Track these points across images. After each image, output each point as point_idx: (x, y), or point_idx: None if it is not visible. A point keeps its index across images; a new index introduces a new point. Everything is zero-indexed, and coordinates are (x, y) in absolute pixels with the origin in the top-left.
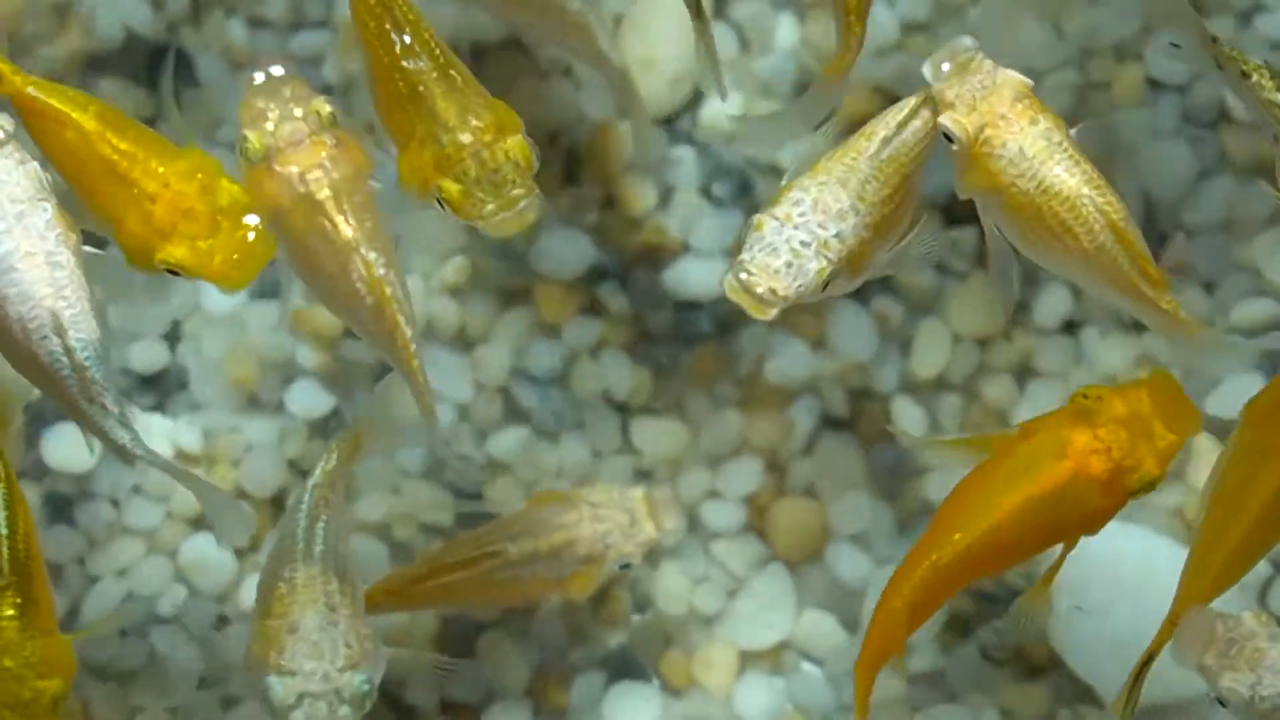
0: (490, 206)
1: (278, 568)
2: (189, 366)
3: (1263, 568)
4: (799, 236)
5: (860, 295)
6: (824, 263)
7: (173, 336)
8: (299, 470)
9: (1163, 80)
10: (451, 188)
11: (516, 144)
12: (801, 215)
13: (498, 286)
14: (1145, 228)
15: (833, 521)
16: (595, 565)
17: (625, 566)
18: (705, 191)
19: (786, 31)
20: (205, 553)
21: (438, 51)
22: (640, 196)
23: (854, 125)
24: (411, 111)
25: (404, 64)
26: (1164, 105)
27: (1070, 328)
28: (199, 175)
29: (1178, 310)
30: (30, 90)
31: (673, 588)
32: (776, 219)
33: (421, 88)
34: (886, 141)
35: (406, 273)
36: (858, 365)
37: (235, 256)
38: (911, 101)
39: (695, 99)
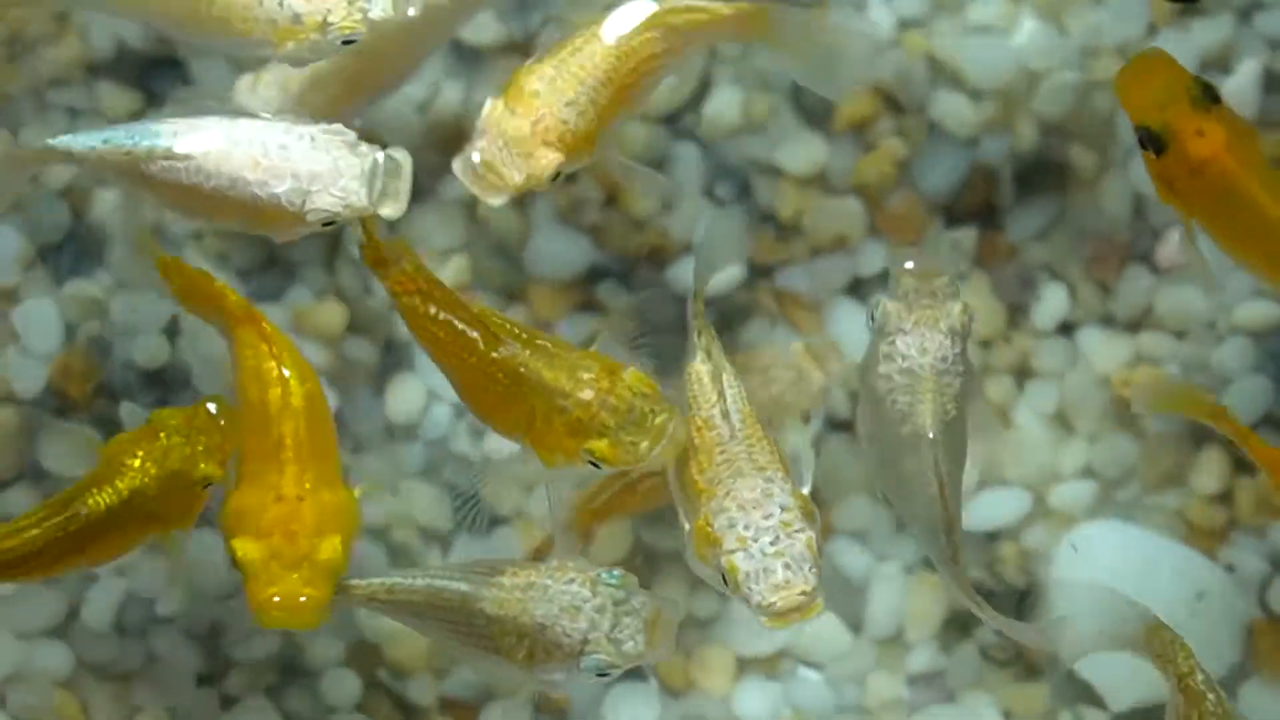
0: (644, 445)
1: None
2: (190, 362)
3: (1263, 566)
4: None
5: (861, 296)
6: (554, 156)
7: (173, 332)
8: None
9: None
10: (599, 445)
11: (634, 377)
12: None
13: (499, 286)
14: (1139, 225)
15: (833, 520)
16: None
17: None
18: (708, 192)
19: None
20: (207, 551)
21: (509, 326)
22: (642, 197)
23: (854, 126)
24: (520, 397)
25: (494, 356)
26: None
27: (1067, 329)
28: (333, 518)
29: None
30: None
31: (672, 590)
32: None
33: (522, 369)
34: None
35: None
36: (858, 366)
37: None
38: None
39: (697, 98)
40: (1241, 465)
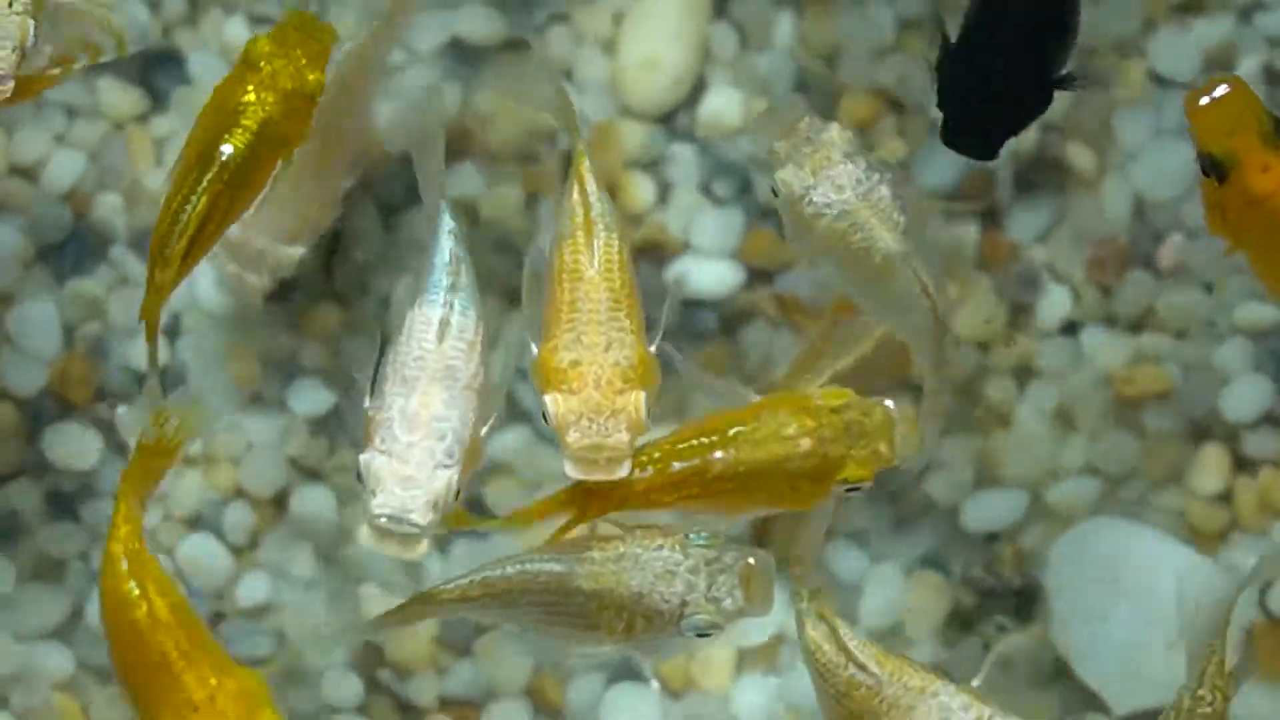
0: (883, 447)
1: None
2: (188, 362)
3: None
4: None
5: None
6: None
7: (172, 332)
8: (300, 469)
9: (1167, 76)
10: (850, 474)
11: (825, 396)
12: None
13: (499, 286)
14: (1138, 228)
15: (833, 521)
16: None
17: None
18: (705, 189)
19: (786, 29)
20: (203, 552)
21: (697, 440)
22: (641, 194)
23: (855, 127)
24: (756, 486)
25: (713, 475)
26: (1167, 102)
27: (1070, 329)
28: (248, 699)
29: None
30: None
31: None
32: None
33: (741, 467)
34: None
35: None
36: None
37: None
38: None
39: (695, 97)
40: (1241, 465)
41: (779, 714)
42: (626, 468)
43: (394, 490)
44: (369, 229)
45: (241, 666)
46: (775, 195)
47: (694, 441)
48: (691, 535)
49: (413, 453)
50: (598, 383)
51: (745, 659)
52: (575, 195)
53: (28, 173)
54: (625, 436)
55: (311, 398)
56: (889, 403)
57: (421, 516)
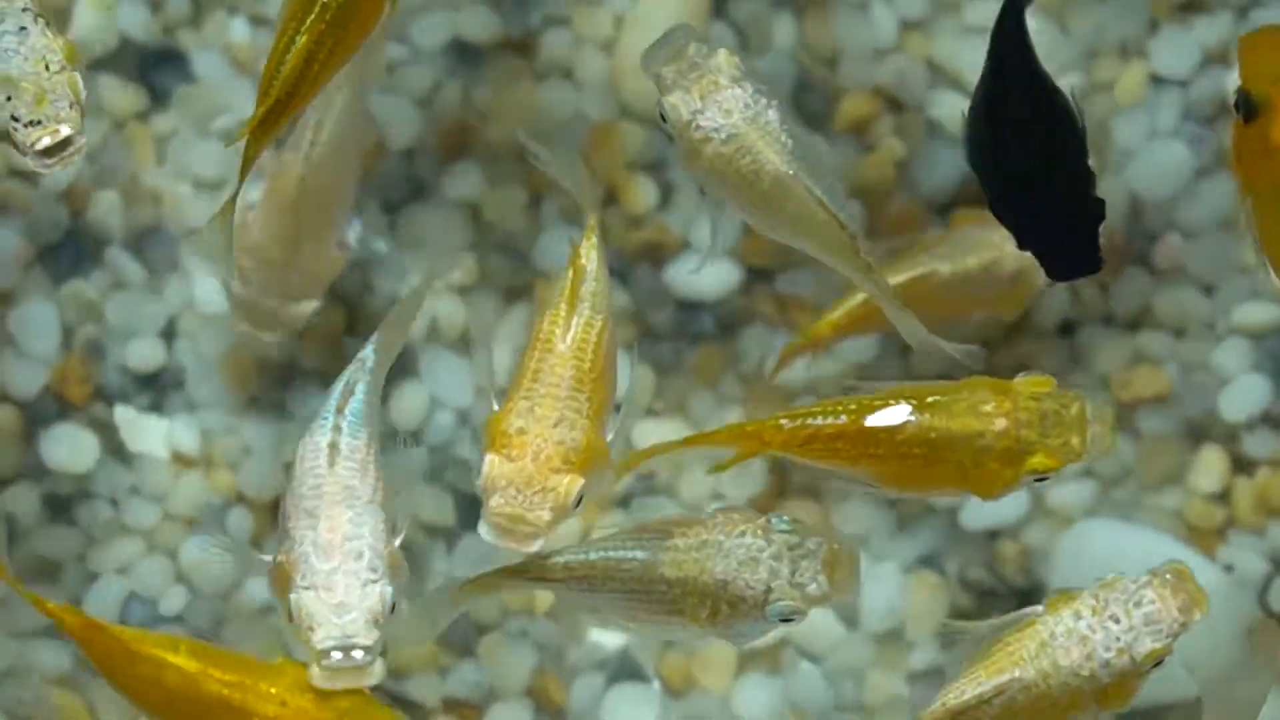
0: (1075, 440)
1: None
2: (186, 365)
3: (1263, 566)
4: None
5: None
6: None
7: (169, 334)
8: None
9: (1165, 75)
10: (1038, 462)
11: (1027, 384)
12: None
13: (502, 286)
14: (1134, 227)
15: (834, 521)
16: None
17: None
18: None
19: (785, 30)
20: (205, 555)
21: (886, 400)
22: (642, 195)
23: (854, 127)
24: (941, 459)
25: (901, 437)
26: (1165, 102)
27: (1067, 329)
28: (306, 687)
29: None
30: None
31: None
32: None
33: (932, 434)
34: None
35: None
36: (859, 367)
37: None
38: None
39: None
40: (1240, 465)
41: (781, 714)
42: (539, 545)
43: (331, 621)
44: (370, 229)
45: (282, 661)
46: (663, 120)
47: (893, 401)
48: (774, 520)
49: (336, 579)
50: (536, 456)
51: (746, 659)
52: (571, 268)
53: (28, 173)
54: (547, 515)
55: (310, 401)
56: (1088, 399)
57: (366, 638)
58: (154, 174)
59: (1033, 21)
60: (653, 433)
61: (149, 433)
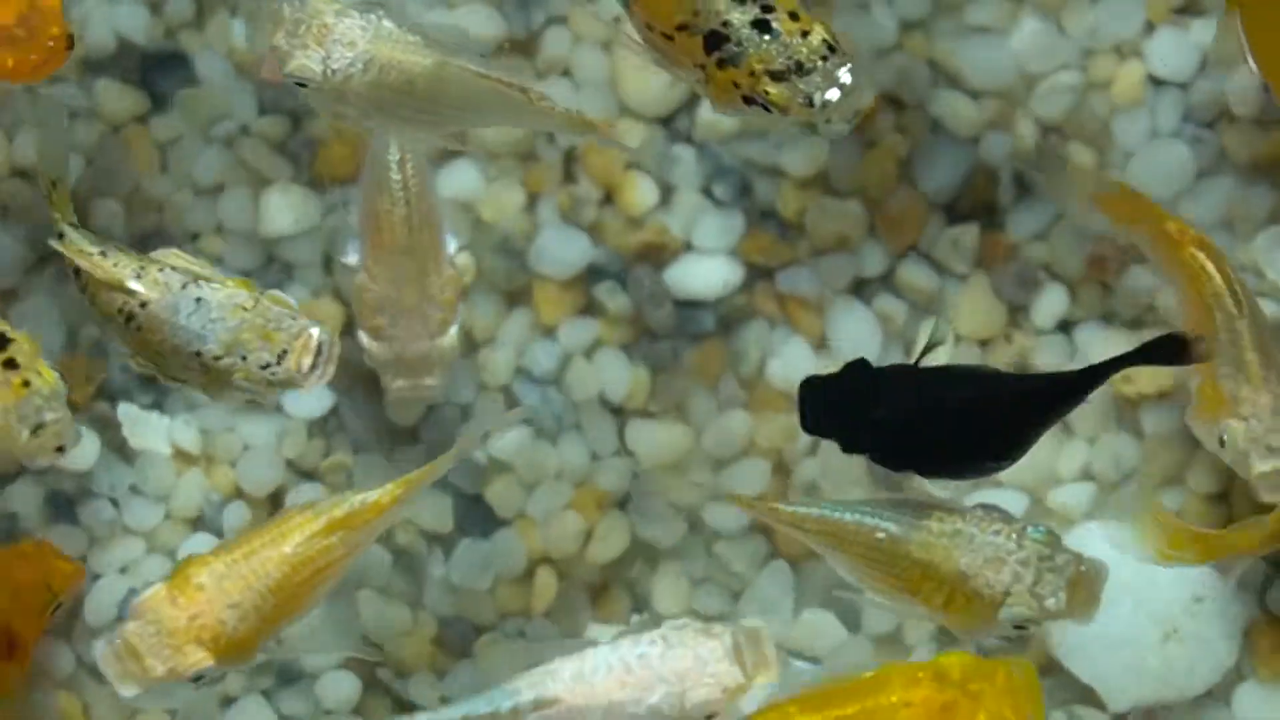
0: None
1: None
2: None
3: (1261, 567)
4: None
5: (862, 295)
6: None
7: None
8: (297, 470)
9: (1164, 76)
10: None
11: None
12: None
13: (500, 286)
14: None
15: None
16: None
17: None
18: (706, 191)
19: None
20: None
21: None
22: (641, 195)
23: (857, 126)
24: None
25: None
26: (1164, 103)
27: (1066, 327)
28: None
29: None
30: None
31: (672, 588)
32: None
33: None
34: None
35: None
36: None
37: None
38: None
39: (695, 99)
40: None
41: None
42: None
43: None
44: None
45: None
46: (303, 88)
47: None
48: (1030, 528)
49: None
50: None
51: None
52: None
53: (28, 174)
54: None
55: (308, 399)
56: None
57: None
58: (154, 178)
59: (1030, 21)
60: (653, 432)
61: (151, 430)
